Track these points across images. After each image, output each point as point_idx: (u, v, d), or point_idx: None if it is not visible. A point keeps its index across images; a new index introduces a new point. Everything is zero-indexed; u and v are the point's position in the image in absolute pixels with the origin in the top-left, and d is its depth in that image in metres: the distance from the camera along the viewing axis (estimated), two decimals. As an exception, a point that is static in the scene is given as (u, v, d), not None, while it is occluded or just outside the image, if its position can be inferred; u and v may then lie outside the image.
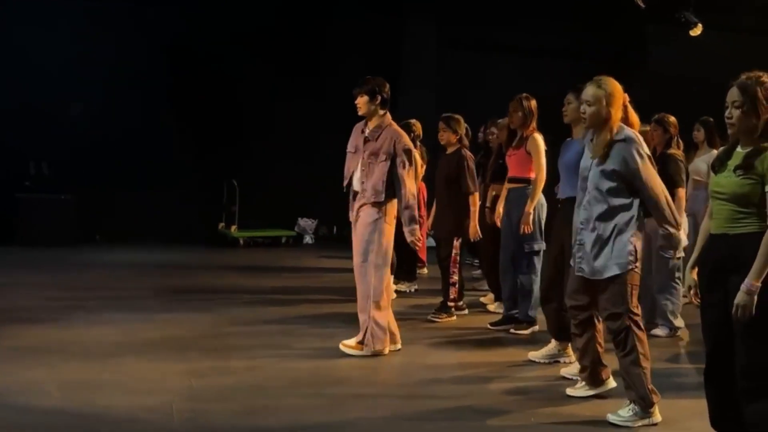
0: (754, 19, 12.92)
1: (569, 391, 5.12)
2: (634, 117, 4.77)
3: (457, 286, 7.27)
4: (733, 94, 3.72)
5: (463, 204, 7.25)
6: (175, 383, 5.18)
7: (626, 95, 4.72)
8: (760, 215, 3.62)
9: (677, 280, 6.78)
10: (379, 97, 5.99)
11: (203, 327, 6.80)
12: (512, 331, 6.81)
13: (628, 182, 4.52)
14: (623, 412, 4.58)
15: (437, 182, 7.58)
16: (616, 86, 4.66)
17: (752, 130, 3.67)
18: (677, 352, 6.55)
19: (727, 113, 3.74)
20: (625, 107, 4.69)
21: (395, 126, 6.06)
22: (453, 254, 7.23)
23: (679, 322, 6.87)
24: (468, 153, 7.40)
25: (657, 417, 4.57)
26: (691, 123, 8.11)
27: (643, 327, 4.66)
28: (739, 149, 3.74)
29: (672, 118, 6.83)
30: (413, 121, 8.76)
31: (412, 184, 5.91)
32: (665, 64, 13.31)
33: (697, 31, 12.17)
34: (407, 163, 5.89)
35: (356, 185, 6.02)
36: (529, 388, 5.31)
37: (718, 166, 3.82)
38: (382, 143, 5.91)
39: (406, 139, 6.02)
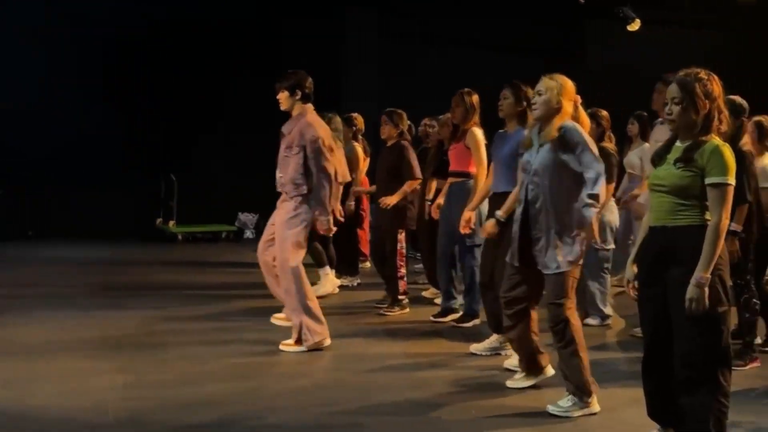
0: (691, 14, 13.19)
1: (509, 383, 5.18)
2: (585, 118, 4.85)
3: (405, 279, 7.28)
4: (673, 90, 3.78)
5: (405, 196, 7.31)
6: (110, 381, 5.12)
7: (578, 96, 4.78)
8: (699, 208, 3.70)
9: (606, 270, 6.93)
10: (300, 92, 5.93)
11: (139, 324, 6.72)
12: (454, 323, 6.86)
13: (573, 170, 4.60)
14: (563, 402, 4.65)
15: (378, 175, 7.61)
16: (568, 82, 4.75)
17: (692, 125, 3.74)
18: (609, 341, 6.64)
19: (667, 109, 3.81)
20: (576, 108, 4.76)
21: (310, 118, 5.95)
22: (398, 247, 7.26)
23: (608, 310, 7.01)
24: (408, 144, 7.44)
25: (595, 407, 4.65)
26: (629, 117, 8.26)
27: (578, 317, 4.74)
28: (678, 143, 3.81)
29: (604, 112, 6.93)
30: (355, 114, 8.79)
31: (322, 175, 5.82)
32: (603, 58, 13.51)
33: (635, 26, 12.41)
34: (316, 153, 5.80)
35: (276, 180, 6.00)
36: (471, 381, 5.35)
37: (657, 160, 3.89)
38: (294, 135, 5.87)
39: (317, 129, 5.87)
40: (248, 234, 12.69)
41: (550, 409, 4.64)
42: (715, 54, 13.22)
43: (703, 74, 3.78)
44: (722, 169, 3.65)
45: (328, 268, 8.12)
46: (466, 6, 12.80)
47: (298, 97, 5.95)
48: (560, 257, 4.60)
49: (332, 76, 12.77)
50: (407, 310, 7.36)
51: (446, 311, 7.06)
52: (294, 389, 5.11)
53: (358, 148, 8.61)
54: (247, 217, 12.77)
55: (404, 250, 7.35)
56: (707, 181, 3.66)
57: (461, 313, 6.96)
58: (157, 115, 12.04)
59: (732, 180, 3.66)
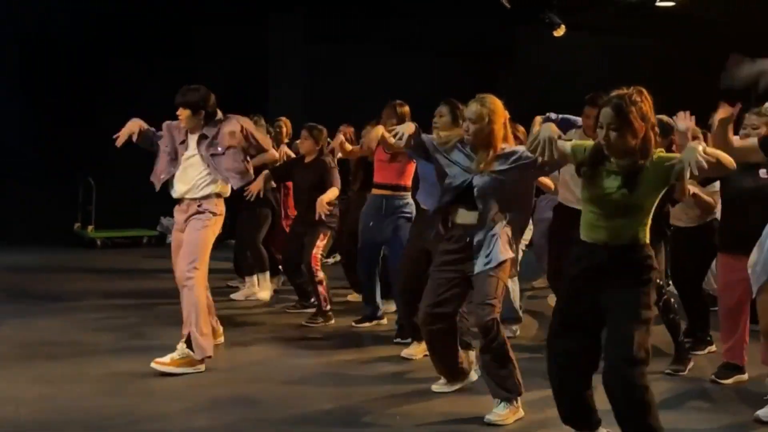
0: (616, 20, 13.49)
1: (434, 388, 5.22)
2: (510, 136, 4.93)
3: (324, 283, 7.24)
4: (608, 115, 3.77)
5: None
6: (24, 391, 5.01)
7: (506, 113, 4.84)
8: (642, 226, 3.85)
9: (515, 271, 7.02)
10: (203, 112, 5.79)
11: (54, 332, 6.60)
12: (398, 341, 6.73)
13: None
14: (498, 409, 4.69)
15: (299, 192, 7.55)
16: (498, 104, 4.78)
17: (630, 150, 3.79)
18: (518, 343, 6.71)
19: (602, 135, 3.79)
20: (504, 125, 4.81)
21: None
22: (316, 254, 7.20)
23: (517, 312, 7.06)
24: (329, 160, 7.42)
25: (520, 411, 4.74)
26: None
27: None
28: (613, 161, 3.84)
29: (519, 128, 7.03)
30: (284, 119, 8.69)
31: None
32: (532, 62, 13.72)
33: (560, 31, 12.62)
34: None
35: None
36: (396, 387, 5.38)
37: (589, 174, 3.92)
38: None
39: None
40: (170, 239, 12.47)
41: (489, 418, 4.65)
42: (637, 60, 13.61)
43: (636, 96, 3.79)
44: (670, 155, 3.84)
45: (268, 273, 8.12)
46: (395, 9, 12.84)
47: (201, 116, 5.78)
48: (490, 256, 4.66)
49: (258, 81, 12.71)
50: (332, 321, 7.26)
51: (369, 317, 7.08)
52: (214, 399, 5.08)
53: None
54: (170, 222, 12.51)
55: (321, 257, 7.29)
56: (674, 171, 3.73)
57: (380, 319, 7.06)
58: (76, 116, 11.78)
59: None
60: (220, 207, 5.92)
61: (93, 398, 4.96)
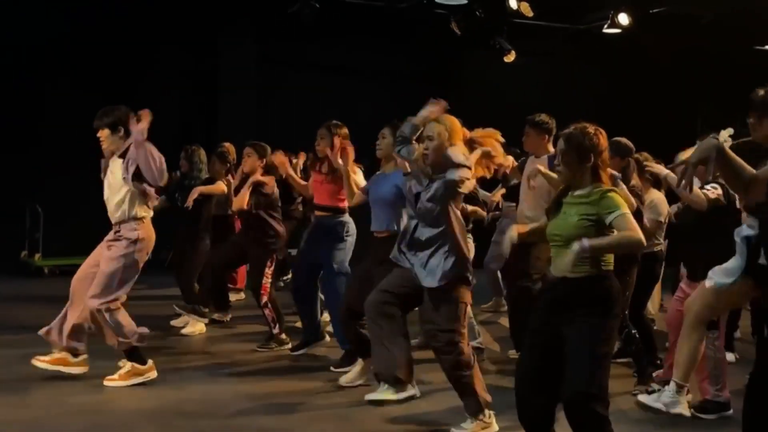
0: (563, 47, 13.71)
1: (368, 397, 5.24)
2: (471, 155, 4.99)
3: (270, 307, 7.15)
4: (561, 144, 4.00)
5: (269, 230, 7.21)
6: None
7: (466, 131, 4.95)
8: (596, 259, 3.86)
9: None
10: (122, 129, 5.80)
11: (1, 363, 6.51)
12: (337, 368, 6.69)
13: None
14: (466, 424, 4.78)
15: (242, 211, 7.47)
16: (455, 122, 4.90)
17: (580, 176, 3.95)
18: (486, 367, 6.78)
19: (556, 161, 4.05)
20: (464, 143, 4.92)
21: None
22: (264, 282, 7.14)
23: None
24: (271, 180, 7.34)
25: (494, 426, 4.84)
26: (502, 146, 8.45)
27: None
28: (570, 194, 3.99)
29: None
30: (227, 145, 8.56)
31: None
32: (480, 87, 13.86)
33: (510, 57, 12.80)
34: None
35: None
36: (339, 413, 5.39)
37: (553, 210, 4.06)
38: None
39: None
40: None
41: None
42: (584, 84, 13.84)
43: (590, 129, 3.98)
44: (614, 204, 3.84)
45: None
46: (347, 33, 12.92)
47: (120, 134, 5.80)
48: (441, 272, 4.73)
49: (209, 104, 12.66)
50: (288, 345, 7.20)
51: (306, 343, 7.03)
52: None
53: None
54: (119, 249, 12.40)
55: (269, 284, 7.22)
56: (607, 220, 3.82)
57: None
58: (21, 142, 11.63)
59: (626, 210, 3.83)
60: (141, 231, 5.81)
61: (36, 428, 4.89)
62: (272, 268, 7.26)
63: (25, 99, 11.68)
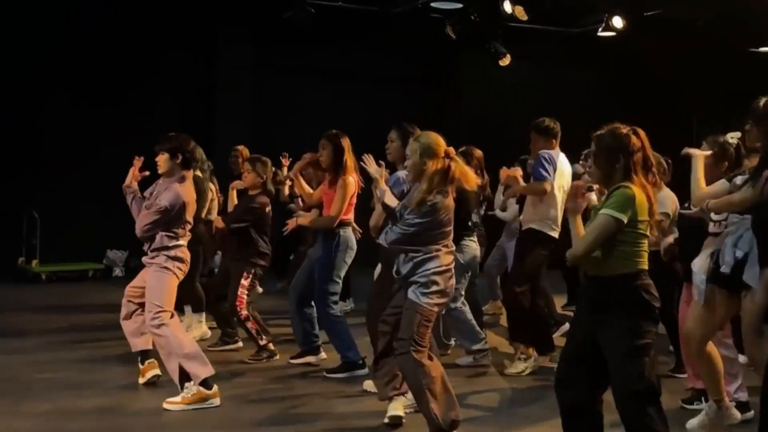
0: (557, 51, 13.74)
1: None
2: (463, 168, 4.90)
3: (252, 319, 7.01)
4: (592, 147, 4.00)
5: (253, 246, 7.13)
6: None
7: (450, 148, 4.85)
8: (627, 255, 3.85)
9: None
10: (181, 156, 5.81)
11: (-2, 369, 6.47)
12: (331, 373, 6.68)
13: None
14: None
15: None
16: (431, 140, 4.81)
17: (609, 177, 3.94)
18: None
19: (588, 163, 4.05)
20: (452, 159, 4.80)
21: (177, 188, 5.79)
22: (239, 294, 7.00)
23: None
24: (264, 199, 7.20)
25: None
26: (499, 149, 8.46)
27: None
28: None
29: (477, 152, 7.12)
30: (240, 147, 8.55)
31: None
32: (477, 92, 13.88)
33: (506, 60, 12.78)
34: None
35: None
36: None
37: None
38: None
39: (169, 195, 5.74)
40: (117, 272, 12.30)
41: None
42: (577, 87, 13.87)
43: (622, 129, 3.94)
44: (611, 201, 3.83)
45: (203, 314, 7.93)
46: (342, 37, 12.92)
47: (178, 161, 5.80)
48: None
49: (207, 107, 12.65)
50: (277, 356, 7.09)
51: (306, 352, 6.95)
52: None
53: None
54: (116, 255, 12.39)
55: (245, 295, 7.03)
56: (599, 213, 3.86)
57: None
58: (20, 150, 11.62)
59: (615, 214, 3.79)
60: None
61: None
62: (248, 281, 7.03)
63: (20, 107, 11.68)
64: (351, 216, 6.68)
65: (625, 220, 3.78)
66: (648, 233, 3.91)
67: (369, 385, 5.96)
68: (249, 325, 6.99)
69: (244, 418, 5.40)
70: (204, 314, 7.93)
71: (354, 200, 6.65)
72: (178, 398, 5.55)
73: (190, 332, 7.58)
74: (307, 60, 13.28)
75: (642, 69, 13.59)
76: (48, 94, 11.80)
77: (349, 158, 6.51)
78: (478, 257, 7.04)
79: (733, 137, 5.29)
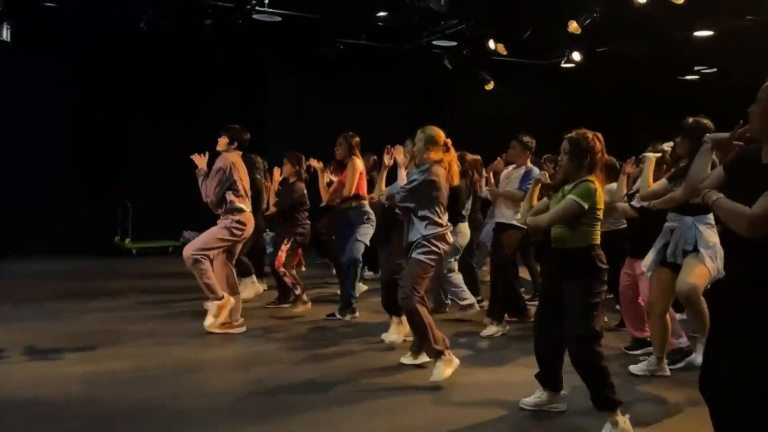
0: (531, 78, 13.65)
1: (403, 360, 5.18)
2: (453, 156, 4.96)
3: (288, 275, 6.94)
4: (564, 145, 3.96)
5: (295, 222, 7.14)
6: (72, 370, 4.95)
7: (448, 140, 4.89)
8: (576, 232, 3.88)
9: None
10: (236, 143, 6.17)
11: (98, 323, 6.50)
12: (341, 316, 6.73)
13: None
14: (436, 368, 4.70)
15: (280, 207, 7.36)
16: (433, 133, 4.85)
17: (576, 171, 3.92)
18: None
19: (559, 158, 4.03)
20: (448, 149, 4.86)
21: (232, 156, 6.11)
22: (280, 257, 6.99)
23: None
24: (301, 185, 7.23)
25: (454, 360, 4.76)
26: (484, 157, 8.38)
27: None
28: (568, 184, 3.96)
29: (470, 156, 7.03)
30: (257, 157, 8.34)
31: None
32: (467, 110, 13.79)
33: (490, 86, 12.74)
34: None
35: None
36: (365, 361, 5.33)
37: (553, 194, 4.06)
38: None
39: (220, 162, 6.07)
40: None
41: (432, 379, 4.66)
42: (547, 108, 13.78)
43: (588, 134, 3.94)
44: (576, 190, 3.86)
45: (254, 276, 7.87)
46: (363, 68, 12.89)
47: (234, 146, 6.16)
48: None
49: (257, 126, 12.62)
50: (309, 305, 6.98)
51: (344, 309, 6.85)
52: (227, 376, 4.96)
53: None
54: (191, 234, 12.35)
55: (283, 258, 7.00)
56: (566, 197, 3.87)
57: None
58: (116, 153, 11.70)
59: (579, 201, 3.81)
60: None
61: (129, 374, 4.89)
62: (288, 246, 7.01)
63: (119, 120, 11.73)
64: (365, 192, 6.70)
65: (586, 207, 3.82)
66: (601, 217, 3.94)
67: (386, 335, 5.93)
68: (286, 279, 6.97)
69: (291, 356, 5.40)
70: (253, 276, 7.80)
71: (364, 179, 6.72)
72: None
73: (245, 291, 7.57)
74: (335, 87, 13.25)
75: (595, 92, 13.49)
76: (138, 112, 11.81)
77: (357, 151, 6.67)
78: (468, 237, 6.87)
79: (668, 146, 5.30)
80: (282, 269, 6.96)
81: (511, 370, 5.14)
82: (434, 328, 4.75)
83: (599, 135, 3.97)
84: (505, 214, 6.45)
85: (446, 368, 4.67)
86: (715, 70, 12.96)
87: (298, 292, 6.99)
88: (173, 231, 12.28)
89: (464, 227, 6.77)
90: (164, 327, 6.39)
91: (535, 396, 4.23)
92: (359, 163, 6.64)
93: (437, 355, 4.70)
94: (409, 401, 4.38)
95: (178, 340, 5.87)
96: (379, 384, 4.73)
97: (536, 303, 7.42)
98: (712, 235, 4.66)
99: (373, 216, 6.73)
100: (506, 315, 6.41)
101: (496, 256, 6.51)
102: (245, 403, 4.33)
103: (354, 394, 4.53)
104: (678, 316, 5.51)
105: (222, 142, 6.14)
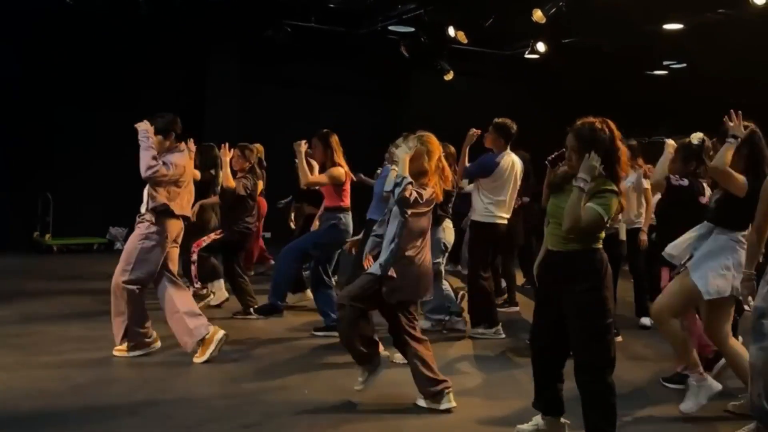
0: (492, 69, 13.76)
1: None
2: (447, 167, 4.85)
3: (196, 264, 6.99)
4: (570, 139, 3.68)
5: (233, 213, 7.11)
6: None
7: (441, 147, 4.77)
8: (588, 236, 3.66)
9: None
10: (173, 134, 5.73)
11: (11, 325, 6.32)
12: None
13: None
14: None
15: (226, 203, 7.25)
16: (434, 144, 4.66)
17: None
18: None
19: (567, 156, 3.73)
20: (439, 160, 4.69)
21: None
22: (200, 242, 7.00)
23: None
24: (245, 182, 7.09)
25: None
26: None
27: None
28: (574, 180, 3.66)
29: (451, 148, 6.95)
30: (257, 144, 8.11)
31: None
32: (425, 101, 13.81)
33: (449, 76, 12.82)
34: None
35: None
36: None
37: (554, 191, 3.83)
38: None
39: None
40: (118, 246, 12.00)
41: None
42: (508, 100, 13.86)
43: (597, 123, 3.67)
44: (604, 202, 3.61)
45: (222, 281, 7.54)
46: (313, 54, 12.81)
47: (171, 137, 5.73)
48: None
49: (197, 115, 12.44)
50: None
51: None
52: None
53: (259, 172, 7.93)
54: (117, 230, 12.14)
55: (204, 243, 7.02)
56: (588, 204, 3.60)
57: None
58: (37, 144, 11.36)
59: (605, 214, 3.60)
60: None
61: (43, 382, 4.77)
62: (218, 238, 7.02)
63: (40, 109, 11.40)
64: (348, 202, 6.51)
65: (606, 220, 3.63)
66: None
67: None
68: (192, 267, 6.93)
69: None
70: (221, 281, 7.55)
71: (348, 187, 6.51)
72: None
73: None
74: (283, 73, 13.13)
75: (560, 85, 13.67)
76: (62, 100, 11.50)
77: (338, 153, 6.39)
78: (453, 235, 6.81)
79: (696, 138, 5.29)
80: (194, 256, 6.89)
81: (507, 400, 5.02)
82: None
83: (609, 121, 3.68)
84: (477, 210, 6.49)
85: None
86: (684, 65, 13.25)
87: (197, 285, 7.02)
88: (99, 227, 12.01)
89: (448, 224, 6.78)
90: (86, 331, 6.23)
91: (532, 424, 4.03)
92: (341, 172, 6.35)
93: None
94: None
95: (102, 345, 5.72)
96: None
97: (507, 309, 7.56)
98: (729, 251, 4.38)
99: (347, 228, 6.51)
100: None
101: (470, 256, 6.63)
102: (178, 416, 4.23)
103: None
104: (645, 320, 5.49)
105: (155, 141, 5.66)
